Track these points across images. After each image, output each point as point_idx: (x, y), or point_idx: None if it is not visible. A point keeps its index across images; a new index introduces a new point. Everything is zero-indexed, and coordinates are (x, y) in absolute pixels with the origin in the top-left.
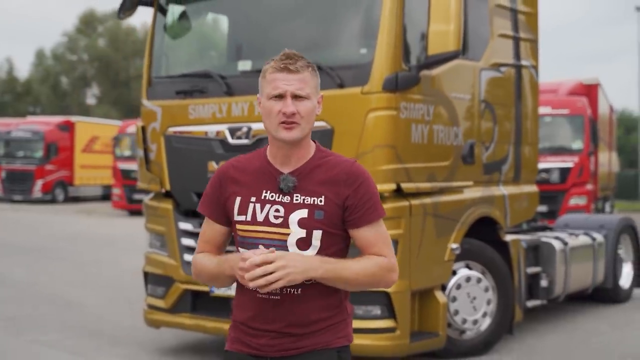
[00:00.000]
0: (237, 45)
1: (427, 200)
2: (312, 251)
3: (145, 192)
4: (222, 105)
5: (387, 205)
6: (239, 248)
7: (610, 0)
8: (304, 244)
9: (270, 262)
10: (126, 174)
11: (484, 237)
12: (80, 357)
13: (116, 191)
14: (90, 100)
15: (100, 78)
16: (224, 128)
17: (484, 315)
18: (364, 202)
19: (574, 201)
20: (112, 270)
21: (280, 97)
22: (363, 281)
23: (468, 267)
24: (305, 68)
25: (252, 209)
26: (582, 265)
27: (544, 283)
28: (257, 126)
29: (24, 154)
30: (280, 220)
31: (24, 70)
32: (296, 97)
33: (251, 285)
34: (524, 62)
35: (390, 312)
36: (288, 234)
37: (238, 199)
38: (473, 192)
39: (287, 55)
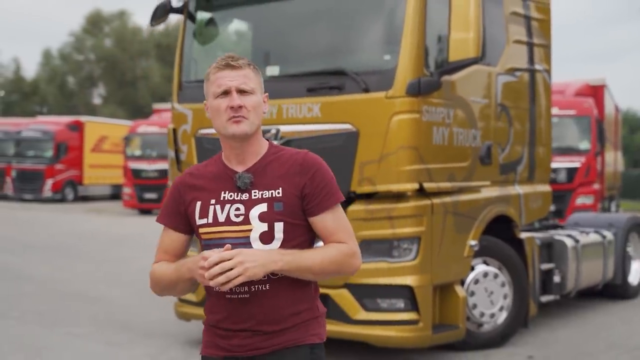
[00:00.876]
0: (265, 51)
1: (448, 199)
2: (276, 244)
3: None
4: None
5: (409, 204)
6: (204, 252)
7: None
8: (266, 237)
9: (228, 259)
10: (137, 174)
11: (500, 235)
12: (115, 347)
13: (127, 190)
14: (97, 100)
15: (107, 78)
16: None
17: (501, 309)
18: (320, 189)
19: (580, 200)
20: (132, 267)
21: (226, 93)
22: (327, 269)
23: (485, 263)
24: (247, 65)
25: (212, 211)
26: (593, 262)
27: (556, 279)
28: (285, 128)
29: (34, 153)
30: (241, 218)
31: (30, 70)
32: (241, 91)
33: (211, 283)
34: (537, 67)
35: (413, 305)
36: (250, 230)
37: (198, 204)
38: (490, 192)
39: (228, 56)
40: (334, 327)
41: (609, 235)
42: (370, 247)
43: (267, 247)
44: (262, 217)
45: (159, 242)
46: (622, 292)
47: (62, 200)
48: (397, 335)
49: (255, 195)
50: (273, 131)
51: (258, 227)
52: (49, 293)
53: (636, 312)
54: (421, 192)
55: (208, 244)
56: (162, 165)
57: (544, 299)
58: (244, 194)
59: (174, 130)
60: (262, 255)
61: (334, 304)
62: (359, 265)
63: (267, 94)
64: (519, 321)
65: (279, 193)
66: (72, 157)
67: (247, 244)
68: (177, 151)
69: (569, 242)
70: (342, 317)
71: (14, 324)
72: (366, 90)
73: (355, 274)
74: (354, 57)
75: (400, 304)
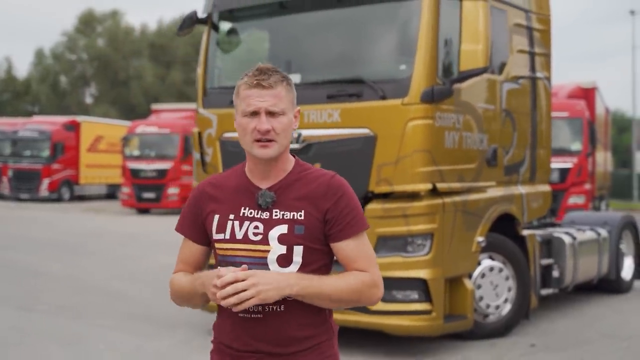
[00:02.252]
0: (286, 59)
1: (457, 198)
2: (293, 267)
3: None
4: None
5: (423, 203)
6: (219, 267)
7: (602, 2)
8: (284, 260)
9: (242, 280)
10: (135, 173)
11: (504, 232)
12: (142, 338)
13: (125, 190)
14: (89, 100)
15: (99, 77)
16: None
17: (505, 301)
18: (344, 215)
19: (572, 200)
20: (142, 265)
21: (255, 114)
22: (345, 298)
23: (491, 258)
24: (280, 83)
25: (230, 227)
26: (589, 258)
27: (555, 274)
28: (307, 132)
29: (30, 153)
30: (259, 237)
31: (23, 69)
32: (270, 113)
33: (223, 303)
34: (538, 75)
35: (427, 296)
36: (268, 251)
37: (216, 217)
38: (495, 191)
39: (260, 71)
40: (353, 317)
41: (603, 232)
42: (387, 242)
43: (284, 270)
44: (281, 239)
45: (179, 251)
46: (615, 287)
47: (59, 199)
48: (411, 325)
49: (276, 215)
50: (295, 135)
51: (276, 249)
52: (68, 288)
53: (629, 305)
54: (434, 192)
55: (223, 260)
56: (161, 165)
57: (544, 292)
58: (265, 213)
59: (199, 134)
60: (277, 279)
61: None
62: (380, 295)
63: (298, 108)
64: (522, 313)
65: (300, 216)
66: (69, 157)
67: (263, 265)
68: (202, 154)
69: (567, 239)
70: (360, 307)
71: (42, 317)
72: (383, 98)
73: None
74: (371, 67)
75: (415, 295)
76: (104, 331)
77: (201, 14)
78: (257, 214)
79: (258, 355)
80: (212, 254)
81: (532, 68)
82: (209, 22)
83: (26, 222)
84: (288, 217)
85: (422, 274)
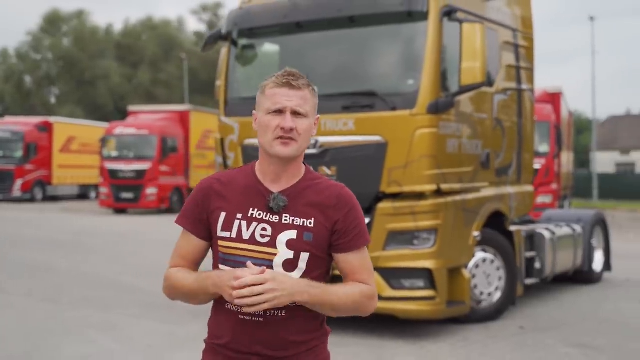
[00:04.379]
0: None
1: (458, 197)
2: (297, 273)
3: None
4: None
5: (429, 202)
6: (220, 265)
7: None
8: (290, 265)
9: (261, 284)
10: (113, 174)
11: (494, 228)
12: (171, 325)
13: (103, 190)
14: (54, 100)
15: (65, 77)
16: None
17: (496, 289)
18: (352, 228)
19: (540, 199)
20: (146, 261)
21: (279, 112)
22: (346, 308)
23: (484, 250)
24: (306, 86)
25: (237, 226)
26: (566, 251)
27: (537, 265)
28: (323, 139)
29: (3, 153)
30: (267, 240)
31: None
32: (295, 113)
33: (236, 302)
34: (524, 87)
35: (431, 284)
36: (275, 254)
37: (223, 215)
38: (488, 191)
39: (289, 73)
40: None
41: (578, 228)
42: (396, 237)
43: (288, 275)
44: (289, 244)
45: (177, 245)
46: (588, 278)
47: (32, 200)
48: (417, 309)
49: (286, 220)
50: (312, 141)
51: (283, 254)
52: (84, 283)
53: (600, 293)
54: (438, 192)
55: (225, 259)
56: (139, 166)
57: (528, 281)
58: (274, 216)
59: (222, 140)
60: (291, 284)
61: None
62: (375, 307)
63: (318, 116)
64: (510, 299)
65: (310, 223)
66: (41, 158)
67: (269, 267)
68: (224, 158)
69: (547, 235)
70: None
71: (71, 308)
72: (394, 109)
73: (384, 262)
74: (382, 81)
75: (421, 283)
76: (134, 320)
77: (223, 31)
78: (266, 217)
79: (255, 357)
80: (213, 250)
81: (519, 81)
82: (229, 38)
83: (10, 221)
84: (298, 223)
85: (427, 264)
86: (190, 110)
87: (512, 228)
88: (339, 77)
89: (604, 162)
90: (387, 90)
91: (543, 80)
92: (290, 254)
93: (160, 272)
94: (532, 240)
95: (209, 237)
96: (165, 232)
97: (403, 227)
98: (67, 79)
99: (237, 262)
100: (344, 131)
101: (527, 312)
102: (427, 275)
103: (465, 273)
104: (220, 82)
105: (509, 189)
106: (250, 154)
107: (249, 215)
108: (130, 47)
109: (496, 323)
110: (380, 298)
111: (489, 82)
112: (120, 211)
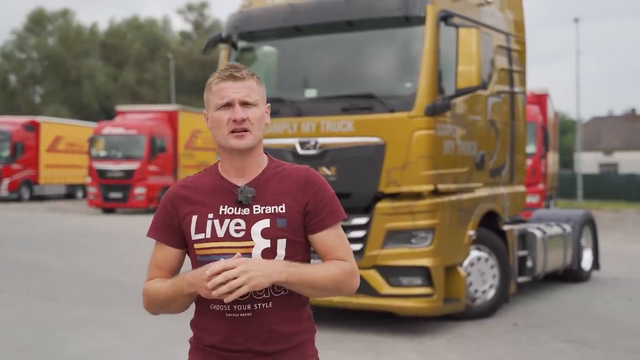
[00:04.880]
0: (303, 76)
1: (454, 197)
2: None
3: None
4: (293, 124)
5: (426, 201)
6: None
7: (546, 6)
8: (268, 254)
9: (232, 268)
10: (102, 174)
11: (488, 227)
12: (175, 321)
13: (92, 190)
14: (39, 99)
15: (50, 77)
16: (295, 141)
17: (490, 287)
18: (323, 206)
19: (528, 199)
20: (141, 260)
21: (228, 105)
22: (327, 285)
23: (478, 249)
24: (251, 76)
25: (210, 226)
26: (556, 250)
27: (529, 264)
28: (323, 140)
29: None
30: (242, 234)
31: None
32: (244, 104)
33: (214, 293)
34: (516, 89)
35: (429, 282)
36: (252, 247)
37: (194, 218)
38: (483, 191)
39: (231, 66)
40: (364, 300)
41: (568, 228)
42: (394, 236)
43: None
44: (264, 233)
45: (151, 258)
46: (577, 276)
47: (19, 199)
48: (415, 306)
49: (256, 211)
50: (312, 142)
51: (260, 244)
52: (80, 282)
53: (589, 291)
54: (435, 192)
55: (203, 261)
56: (128, 165)
57: (520, 280)
58: (245, 209)
59: None
60: (266, 265)
61: (365, 282)
62: (357, 284)
63: (269, 104)
64: (503, 297)
65: (282, 209)
66: (28, 157)
67: None
68: None
69: (539, 234)
70: (371, 292)
71: (69, 306)
72: (392, 111)
73: (382, 260)
74: (381, 84)
75: (418, 281)
76: (133, 317)
77: (224, 34)
78: (237, 211)
79: (248, 354)
80: (190, 256)
81: (511, 84)
82: (230, 42)
83: (4, 221)
84: (269, 212)
85: (425, 262)
86: (178, 110)
87: (505, 227)
88: (338, 79)
89: (587, 162)
90: (385, 93)
91: (528, 81)
92: (267, 243)
93: None
94: (524, 239)
95: (183, 245)
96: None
97: (401, 226)
98: (52, 79)
99: (215, 261)
100: (343, 132)
101: (519, 310)
102: (425, 273)
103: (461, 271)
104: None
105: (502, 189)
106: None
107: (220, 213)
108: (116, 46)
109: (490, 320)
110: (379, 295)
111: (484, 85)
112: (108, 211)
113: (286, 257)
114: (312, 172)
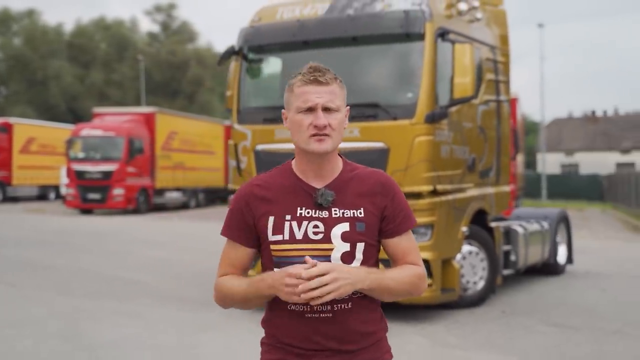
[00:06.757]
0: None
1: (450, 197)
2: (355, 264)
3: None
4: None
5: (426, 201)
6: (275, 269)
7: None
8: (348, 258)
9: (325, 274)
10: (80, 175)
11: (476, 224)
12: (188, 312)
13: (70, 191)
14: (3, 100)
15: (16, 77)
16: None
17: (480, 278)
18: (399, 211)
19: None
20: (142, 257)
21: (311, 110)
22: (402, 290)
23: (470, 244)
24: (334, 80)
25: (288, 227)
26: (536, 246)
27: (512, 258)
28: None
29: None
30: (320, 236)
31: None
32: (326, 109)
33: (303, 296)
34: (501, 98)
35: (429, 273)
36: (331, 249)
37: (271, 219)
38: (473, 191)
39: (315, 68)
40: None
41: (545, 225)
42: None
43: (346, 265)
44: (344, 237)
45: (223, 254)
46: (553, 270)
47: None
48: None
49: (335, 214)
50: None
51: (340, 247)
52: (90, 279)
53: (567, 283)
54: (433, 192)
55: (280, 262)
56: (106, 167)
57: (505, 272)
58: (324, 212)
59: (235, 145)
60: (352, 272)
61: None
62: (426, 287)
63: (349, 107)
64: (491, 288)
65: (360, 213)
66: (1, 159)
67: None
68: (238, 161)
69: (520, 230)
70: None
71: (88, 300)
72: (395, 119)
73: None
74: (385, 94)
75: None
76: (151, 308)
77: (236, 48)
78: (315, 213)
79: (326, 352)
80: (262, 255)
81: (497, 93)
82: (241, 53)
83: None
84: (348, 215)
85: (425, 255)
86: (155, 112)
87: (493, 224)
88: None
89: (549, 163)
90: (388, 102)
91: None
92: (346, 246)
93: (162, 268)
94: (508, 235)
95: (257, 244)
96: (147, 231)
97: None
98: (18, 79)
99: (293, 263)
100: (350, 138)
101: (505, 299)
102: (425, 265)
103: (455, 264)
104: (230, 93)
105: (490, 189)
106: (261, 159)
107: (298, 214)
108: (82, 47)
109: (480, 308)
110: None
111: (476, 95)
112: (86, 212)
113: (364, 260)
114: (388, 177)
